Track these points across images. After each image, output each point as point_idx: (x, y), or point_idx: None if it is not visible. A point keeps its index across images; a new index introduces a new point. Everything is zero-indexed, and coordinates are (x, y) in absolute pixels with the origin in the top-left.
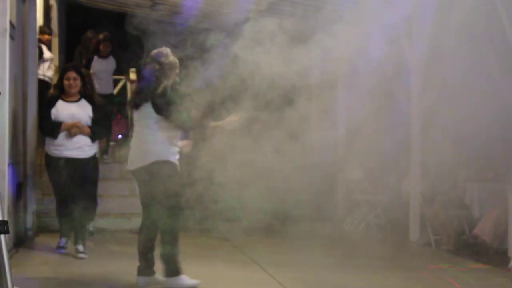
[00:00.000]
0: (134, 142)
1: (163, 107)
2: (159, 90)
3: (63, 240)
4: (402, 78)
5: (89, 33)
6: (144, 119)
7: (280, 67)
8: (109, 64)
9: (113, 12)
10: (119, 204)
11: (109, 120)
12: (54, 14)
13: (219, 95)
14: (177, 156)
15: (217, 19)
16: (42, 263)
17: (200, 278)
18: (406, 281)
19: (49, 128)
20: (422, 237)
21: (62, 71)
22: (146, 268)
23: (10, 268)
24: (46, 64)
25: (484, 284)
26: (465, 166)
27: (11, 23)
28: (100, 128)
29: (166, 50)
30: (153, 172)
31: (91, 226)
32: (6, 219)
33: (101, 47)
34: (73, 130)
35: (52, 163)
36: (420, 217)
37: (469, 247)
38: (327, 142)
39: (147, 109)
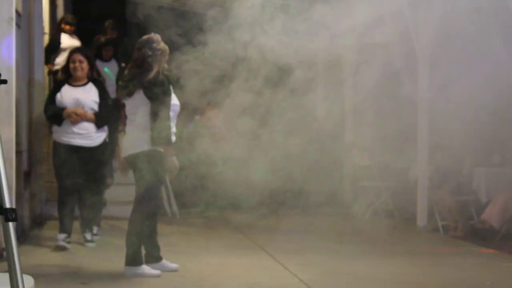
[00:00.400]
0: (128, 129)
1: (155, 94)
2: (151, 76)
3: (62, 235)
4: (408, 63)
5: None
6: (137, 106)
7: (286, 51)
8: (111, 68)
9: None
10: (127, 192)
11: (118, 105)
12: (60, 2)
13: (223, 78)
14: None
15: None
16: (50, 251)
17: (209, 265)
18: (414, 267)
19: (52, 114)
20: (429, 222)
21: (68, 54)
22: (152, 255)
23: (19, 256)
24: (65, 54)
25: (492, 269)
26: (472, 151)
27: (17, 12)
28: (106, 114)
29: (157, 36)
30: (142, 160)
31: (95, 229)
32: (14, 207)
33: (103, 51)
34: (72, 117)
35: (59, 150)
36: (428, 203)
37: (477, 233)
38: (333, 127)
39: (140, 96)
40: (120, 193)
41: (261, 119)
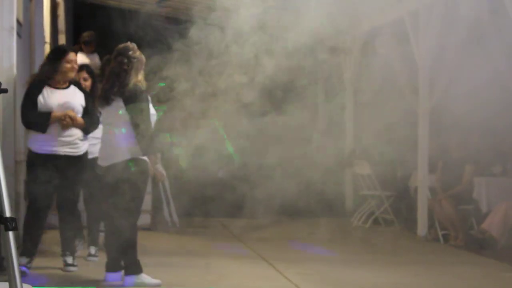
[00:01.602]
0: (105, 138)
1: (135, 103)
2: (131, 86)
3: (24, 259)
4: (409, 74)
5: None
6: (116, 115)
7: (287, 63)
8: None
9: (120, 9)
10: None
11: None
12: (61, 11)
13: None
14: None
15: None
16: (50, 260)
17: (209, 274)
18: (414, 276)
19: (35, 119)
20: (430, 232)
21: (60, 51)
22: (135, 266)
23: (19, 266)
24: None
25: (492, 279)
26: (473, 160)
27: (18, 21)
28: (95, 119)
29: (133, 44)
30: (124, 170)
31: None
32: (14, 216)
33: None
34: (65, 121)
35: (37, 161)
36: (428, 212)
37: (477, 242)
38: (335, 137)
39: (118, 105)
40: None
41: (262, 130)
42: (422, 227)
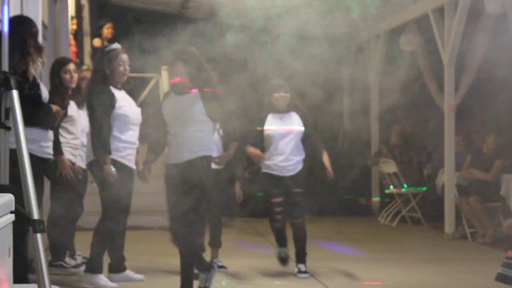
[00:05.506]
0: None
1: (89, 104)
2: (95, 88)
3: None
4: (435, 71)
5: None
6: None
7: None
8: None
9: (144, 11)
10: (151, 202)
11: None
12: (86, 13)
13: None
14: (124, 153)
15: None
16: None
17: (234, 274)
18: (442, 275)
19: None
20: (457, 230)
21: None
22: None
23: (47, 267)
24: None
25: None
26: (500, 157)
27: (43, 24)
28: None
29: (110, 46)
30: (95, 169)
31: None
32: (42, 218)
33: None
34: None
35: None
36: (456, 210)
37: (506, 240)
38: (361, 136)
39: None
40: (146, 202)
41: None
42: (449, 225)
